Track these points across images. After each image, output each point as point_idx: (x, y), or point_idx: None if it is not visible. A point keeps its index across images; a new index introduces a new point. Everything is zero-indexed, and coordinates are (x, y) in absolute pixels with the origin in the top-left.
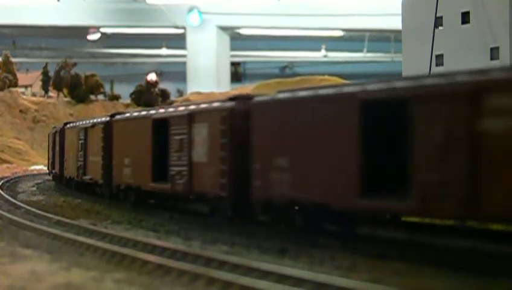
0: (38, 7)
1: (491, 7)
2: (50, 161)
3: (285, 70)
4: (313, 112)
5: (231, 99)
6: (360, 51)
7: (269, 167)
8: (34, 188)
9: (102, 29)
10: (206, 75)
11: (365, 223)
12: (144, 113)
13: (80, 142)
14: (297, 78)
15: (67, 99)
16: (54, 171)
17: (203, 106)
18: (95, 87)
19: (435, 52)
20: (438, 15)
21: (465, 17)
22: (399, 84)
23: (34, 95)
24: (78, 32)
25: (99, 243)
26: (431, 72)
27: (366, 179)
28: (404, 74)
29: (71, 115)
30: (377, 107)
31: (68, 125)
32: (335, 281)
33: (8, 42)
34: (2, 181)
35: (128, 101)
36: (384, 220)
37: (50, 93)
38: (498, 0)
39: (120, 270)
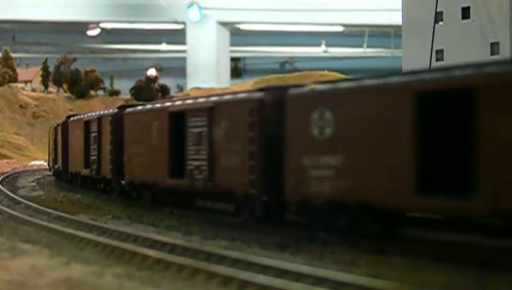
0: (38, 2)
1: (492, 2)
2: (61, 158)
3: (285, 65)
4: None
5: None
6: (360, 46)
7: None
8: (33, 183)
9: (102, 25)
10: (206, 71)
11: None
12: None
13: (161, 131)
14: (297, 73)
15: (67, 94)
16: (76, 172)
17: None
18: (95, 83)
19: (435, 47)
20: (438, 10)
21: (466, 12)
22: None
23: (33, 90)
24: (78, 28)
25: (99, 238)
26: (431, 67)
27: None
28: (404, 69)
29: (71, 110)
30: None
31: (138, 109)
32: (334, 276)
33: (8, 37)
34: (2, 176)
35: (128, 96)
36: None
37: (50, 89)
38: None
39: (120, 265)
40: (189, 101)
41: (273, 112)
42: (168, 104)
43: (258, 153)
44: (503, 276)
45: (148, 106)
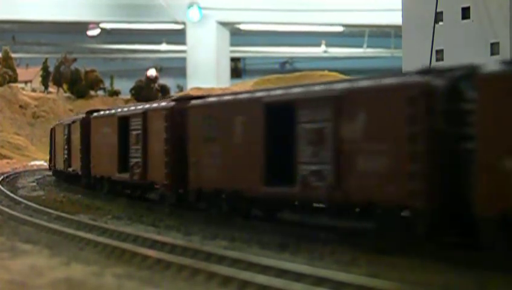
0: (38, 2)
1: (491, 2)
2: (79, 160)
3: (285, 65)
4: None
5: None
6: (360, 46)
7: None
8: (34, 184)
9: (102, 25)
10: (206, 71)
11: None
12: None
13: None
14: (297, 73)
15: (67, 94)
16: (103, 177)
17: None
18: (95, 83)
19: (435, 48)
20: (438, 10)
21: (466, 13)
22: None
23: (33, 90)
24: (78, 28)
25: (99, 238)
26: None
27: None
28: (404, 70)
29: (71, 110)
30: None
31: (211, 100)
32: (334, 276)
33: (8, 37)
34: (2, 177)
35: (128, 96)
36: None
37: (50, 89)
38: None
39: (120, 265)
40: (297, 90)
41: (448, 101)
42: (261, 93)
43: (425, 155)
44: (503, 276)
45: (228, 97)
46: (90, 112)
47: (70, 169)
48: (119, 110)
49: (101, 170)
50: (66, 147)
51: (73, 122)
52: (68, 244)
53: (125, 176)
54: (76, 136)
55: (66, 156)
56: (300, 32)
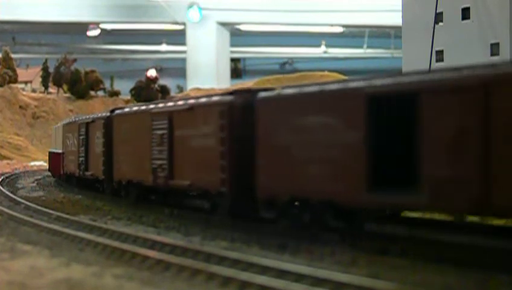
0: (38, 3)
1: (492, 3)
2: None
3: (285, 66)
4: None
5: None
6: (360, 47)
7: None
8: (34, 184)
9: (102, 25)
10: (206, 71)
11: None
12: None
13: None
14: (297, 74)
15: (67, 95)
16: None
17: None
18: (95, 83)
19: (435, 48)
20: (438, 11)
21: (466, 13)
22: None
23: (33, 91)
24: (78, 28)
25: (99, 239)
26: (431, 68)
27: None
28: (404, 70)
29: (71, 111)
30: None
31: None
32: (334, 277)
33: (8, 38)
34: (2, 177)
35: (128, 97)
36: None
37: (50, 89)
38: None
39: (120, 266)
40: None
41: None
42: None
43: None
44: (503, 276)
45: None
46: (243, 92)
47: (180, 182)
48: (368, 82)
49: (298, 188)
50: (158, 148)
51: (191, 108)
52: (68, 245)
53: (404, 199)
54: (203, 131)
55: (158, 162)
56: (300, 32)
